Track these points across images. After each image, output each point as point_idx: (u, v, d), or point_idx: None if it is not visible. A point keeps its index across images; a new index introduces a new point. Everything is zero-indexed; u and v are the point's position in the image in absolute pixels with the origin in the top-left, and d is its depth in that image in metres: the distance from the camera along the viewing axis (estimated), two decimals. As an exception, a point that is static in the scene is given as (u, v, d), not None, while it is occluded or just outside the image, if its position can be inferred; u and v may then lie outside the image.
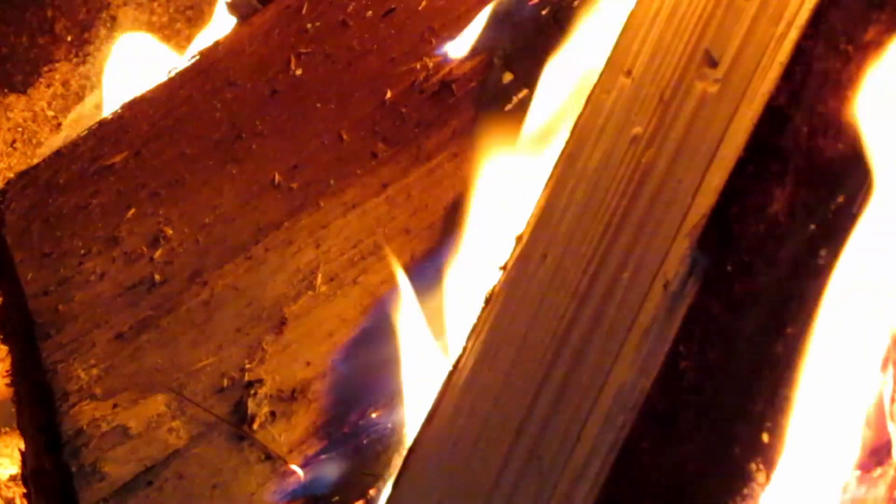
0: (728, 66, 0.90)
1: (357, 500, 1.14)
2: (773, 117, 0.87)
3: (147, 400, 1.18)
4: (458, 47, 1.30)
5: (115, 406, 1.18)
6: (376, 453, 1.14)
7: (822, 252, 0.88)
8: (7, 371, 1.28)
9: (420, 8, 1.35)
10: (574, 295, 0.91)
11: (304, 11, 1.39)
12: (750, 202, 0.87)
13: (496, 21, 1.29)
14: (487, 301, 0.98)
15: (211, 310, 1.22)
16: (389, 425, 1.15)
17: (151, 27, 1.98)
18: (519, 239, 0.98)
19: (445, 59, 1.29)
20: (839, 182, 0.88)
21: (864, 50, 0.87)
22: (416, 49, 1.32)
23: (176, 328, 1.22)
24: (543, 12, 1.27)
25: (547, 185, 0.98)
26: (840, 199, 0.88)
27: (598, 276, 0.91)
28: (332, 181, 1.26)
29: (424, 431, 0.97)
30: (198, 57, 1.40)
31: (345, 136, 1.29)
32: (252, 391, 1.17)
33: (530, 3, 1.28)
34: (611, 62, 0.98)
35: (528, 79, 1.25)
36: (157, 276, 1.25)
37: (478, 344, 0.96)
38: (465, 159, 1.24)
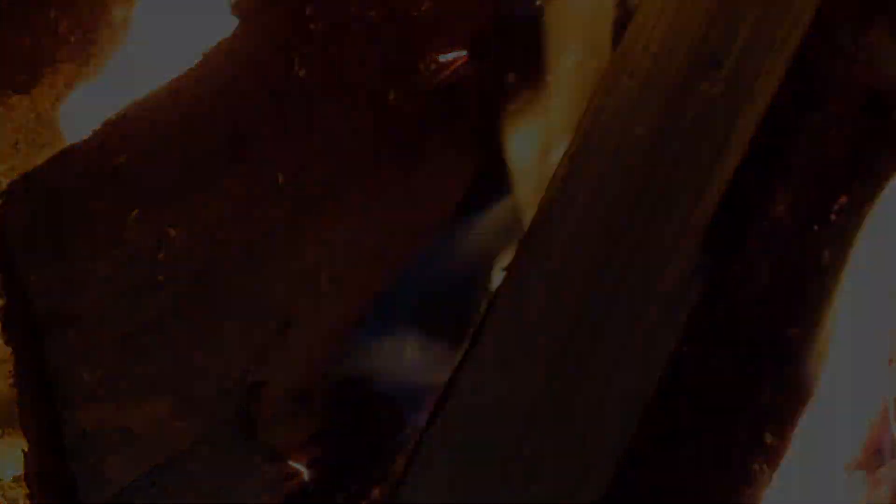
0: (732, 67, 0.90)
1: (362, 500, 1.14)
2: (777, 118, 0.87)
3: (151, 401, 1.18)
4: (462, 48, 1.30)
5: (119, 407, 1.18)
6: (381, 453, 1.14)
7: (826, 253, 0.88)
8: (10, 372, 1.28)
9: (423, 8, 1.35)
10: (577, 297, 0.92)
11: (307, 12, 1.39)
12: (754, 204, 0.87)
13: (499, 22, 1.29)
14: (491, 303, 0.98)
15: (215, 311, 1.22)
16: (393, 425, 1.15)
17: (154, 28, 1.98)
18: (522, 241, 0.98)
19: (448, 60, 1.29)
20: (842, 183, 0.88)
21: (867, 50, 0.87)
22: (418, 50, 1.32)
23: (180, 330, 1.22)
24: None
25: (550, 186, 0.98)
26: (843, 199, 0.89)
27: (601, 278, 0.91)
28: (335, 182, 1.26)
29: (428, 433, 0.97)
30: (200, 57, 1.40)
31: (348, 137, 1.29)
32: (256, 392, 1.17)
33: (534, 3, 1.28)
34: (615, 63, 0.98)
35: (531, 79, 1.25)
36: (160, 278, 1.25)
37: (481, 346, 0.96)
38: (468, 160, 1.24)
